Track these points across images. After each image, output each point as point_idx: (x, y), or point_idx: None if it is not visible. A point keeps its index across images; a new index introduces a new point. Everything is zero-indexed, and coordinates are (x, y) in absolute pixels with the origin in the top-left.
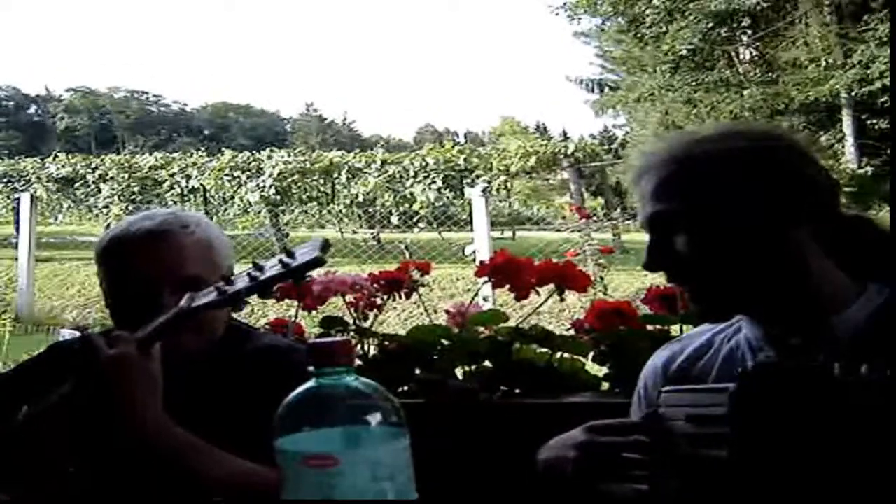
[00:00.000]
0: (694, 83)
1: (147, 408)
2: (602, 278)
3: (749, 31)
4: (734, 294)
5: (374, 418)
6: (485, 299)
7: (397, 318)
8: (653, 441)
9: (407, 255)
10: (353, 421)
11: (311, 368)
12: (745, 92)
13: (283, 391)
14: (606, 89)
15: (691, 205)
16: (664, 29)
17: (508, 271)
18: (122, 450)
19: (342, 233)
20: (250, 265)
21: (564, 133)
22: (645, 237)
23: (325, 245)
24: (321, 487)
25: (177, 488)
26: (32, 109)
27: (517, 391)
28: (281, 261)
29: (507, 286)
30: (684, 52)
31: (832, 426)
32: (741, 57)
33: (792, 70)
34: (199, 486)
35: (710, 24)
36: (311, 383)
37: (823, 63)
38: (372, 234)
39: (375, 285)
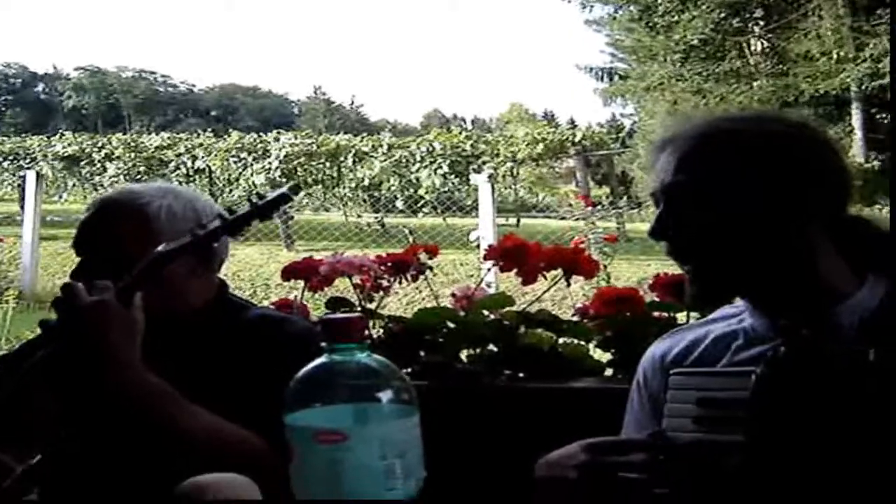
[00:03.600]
0: (704, 73)
1: (122, 352)
2: (605, 266)
3: (761, 22)
4: (733, 278)
5: (385, 395)
6: (488, 286)
7: (398, 302)
8: (657, 458)
9: (410, 239)
10: (363, 398)
11: (324, 344)
12: (755, 83)
13: (272, 361)
14: (616, 78)
15: (709, 181)
16: (676, 18)
17: (517, 255)
18: (99, 396)
19: (346, 216)
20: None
21: (572, 121)
22: (649, 227)
23: (295, 187)
24: (330, 463)
25: (151, 439)
26: (39, 87)
27: (521, 375)
28: (250, 201)
29: (515, 270)
30: (695, 42)
31: (865, 412)
32: (752, 48)
33: (803, 62)
34: (172, 436)
35: (723, 15)
36: (323, 359)
37: (835, 56)
38: (376, 218)
39: (382, 267)
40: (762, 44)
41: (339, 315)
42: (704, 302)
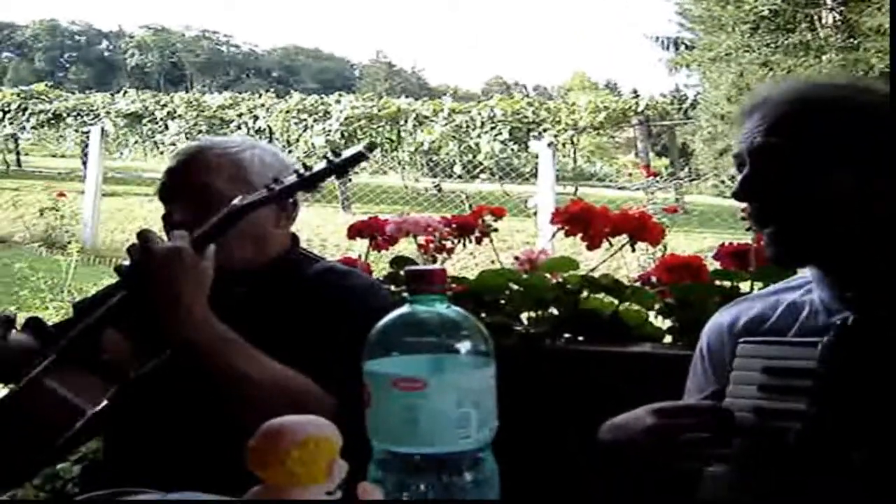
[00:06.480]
0: (773, 45)
1: (192, 300)
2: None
3: None
4: (817, 243)
5: (464, 346)
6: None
7: (452, 267)
8: (723, 422)
9: (467, 205)
10: (443, 347)
11: (405, 294)
12: (824, 57)
13: (336, 313)
14: (682, 47)
15: (803, 145)
16: None
17: (584, 219)
18: (166, 341)
19: (404, 180)
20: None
21: (635, 91)
22: (708, 199)
23: (370, 145)
24: (407, 409)
25: (217, 385)
26: (104, 45)
27: (581, 339)
28: (326, 157)
29: (580, 235)
30: (765, 13)
31: None
32: (823, 20)
33: (875, 36)
34: (237, 382)
35: None
36: (405, 308)
37: None
38: (434, 182)
39: (447, 228)
40: (833, 16)
41: (422, 266)
42: (783, 265)
